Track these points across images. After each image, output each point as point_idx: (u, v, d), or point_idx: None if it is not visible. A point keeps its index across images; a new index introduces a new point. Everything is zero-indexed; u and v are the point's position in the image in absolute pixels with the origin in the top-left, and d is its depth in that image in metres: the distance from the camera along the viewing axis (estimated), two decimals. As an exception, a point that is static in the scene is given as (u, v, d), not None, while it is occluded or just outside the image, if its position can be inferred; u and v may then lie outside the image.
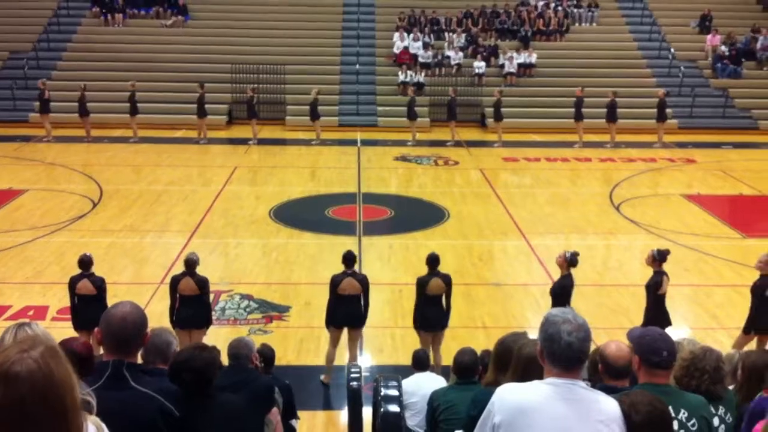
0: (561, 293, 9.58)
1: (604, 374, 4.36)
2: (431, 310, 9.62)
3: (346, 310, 9.61)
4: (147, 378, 3.64)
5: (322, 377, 9.87)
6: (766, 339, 9.78)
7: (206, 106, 23.78)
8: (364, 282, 9.65)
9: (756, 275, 9.84)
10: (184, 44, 28.67)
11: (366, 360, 10.38)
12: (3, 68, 27.48)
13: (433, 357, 9.66)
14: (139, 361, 3.87)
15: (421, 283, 9.64)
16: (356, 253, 10.11)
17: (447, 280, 9.63)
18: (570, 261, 9.61)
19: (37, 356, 2.35)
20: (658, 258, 9.72)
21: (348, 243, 14.72)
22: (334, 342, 9.74)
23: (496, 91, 24.71)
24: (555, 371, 3.29)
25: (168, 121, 24.92)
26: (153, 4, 30.20)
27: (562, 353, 3.25)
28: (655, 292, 9.67)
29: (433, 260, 9.70)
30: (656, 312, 9.61)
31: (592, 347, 4.36)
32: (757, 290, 9.72)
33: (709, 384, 4.53)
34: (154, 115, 24.75)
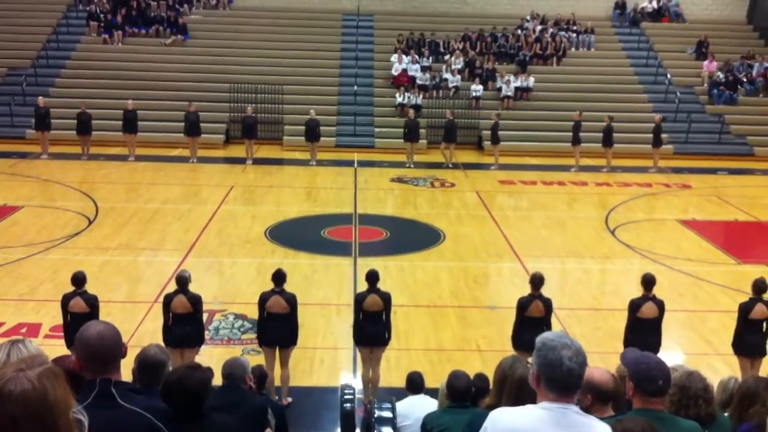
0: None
1: (595, 403, 4.21)
2: (369, 327, 9.56)
3: (274, 328, 9.46)
4: (135, 396, 3.61)
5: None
6: (747, 362, 9.72)
7: (202, 125, 23.81)
8: (291, 301, 9.48)
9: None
10: (182, 63, 28.75)
11: (359, 381, 10.33)
12: (1, 84, 27.49)
13: (371, 373, 9.62)
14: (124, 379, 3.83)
15: (358, 300, 9.63)
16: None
17: (385, 298, 9.58)
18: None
19: (33, 376, 2.33)
20: (642, 284, 9.82)
21: (343, 264, 14.73)
22: (269, 363, 9.53)
23: (494, 115, 24.81)
24: (551, 396, 3.23)
25: (165, 139, 24.91)
26: (152, 23, 30.34)
27: (563, 379, 3.19)
28: (631, 313, 9.73)
29: (371, 277, 9.64)
30: (632, 334, 9.63)
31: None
32: (740, 310, 9.73)
33: (705, 407, 4.49)
34: (151, 134, 24.76)
